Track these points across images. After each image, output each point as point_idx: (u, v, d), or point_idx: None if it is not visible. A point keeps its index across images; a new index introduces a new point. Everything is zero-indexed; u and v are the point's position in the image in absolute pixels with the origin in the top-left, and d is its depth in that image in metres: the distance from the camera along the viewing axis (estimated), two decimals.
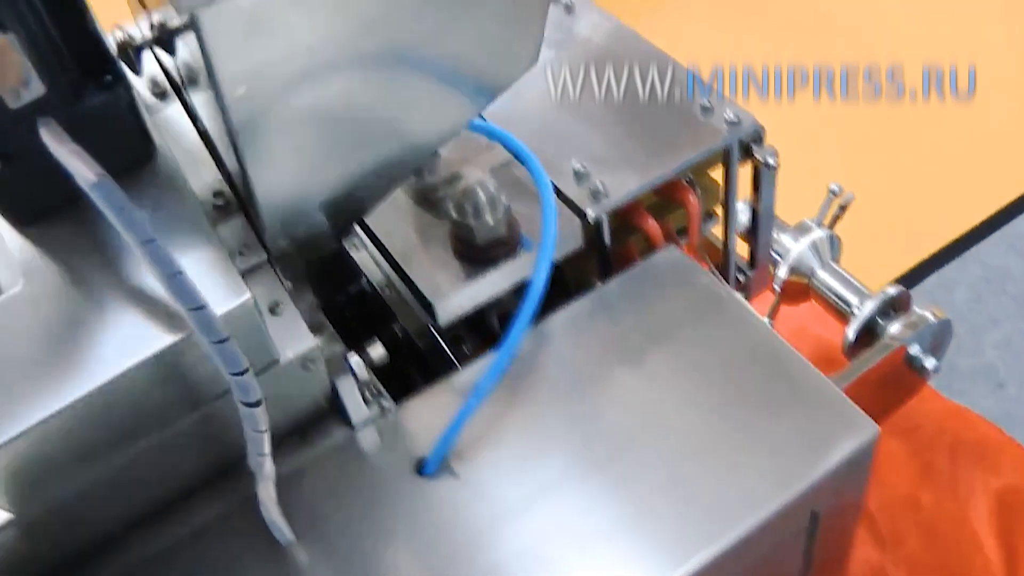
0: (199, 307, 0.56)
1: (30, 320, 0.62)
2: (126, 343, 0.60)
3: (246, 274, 0.70)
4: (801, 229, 1.18)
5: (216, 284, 0.62)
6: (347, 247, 0.90)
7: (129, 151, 0.64)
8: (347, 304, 0.91)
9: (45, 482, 0.62)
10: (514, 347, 0.73)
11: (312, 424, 0.78)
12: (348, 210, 0.75)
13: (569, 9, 1.00)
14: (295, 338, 0.70)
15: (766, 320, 0.88)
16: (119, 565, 0.72)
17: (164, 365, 0.61)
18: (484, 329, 0.86)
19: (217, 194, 0.76)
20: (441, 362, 0.88)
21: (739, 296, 0.82)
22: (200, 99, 0.71)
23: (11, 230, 0.65)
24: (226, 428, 0.66)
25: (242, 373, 0.58)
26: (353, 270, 0.90)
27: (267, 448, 0.64)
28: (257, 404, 0.60)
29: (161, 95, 0.81)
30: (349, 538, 0.72)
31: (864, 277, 1.15)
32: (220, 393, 0.66)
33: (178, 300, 0.56)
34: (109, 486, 0.67)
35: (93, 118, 0.61)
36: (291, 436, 0.77)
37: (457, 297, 0.79)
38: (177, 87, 0.81)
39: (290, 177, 0.68)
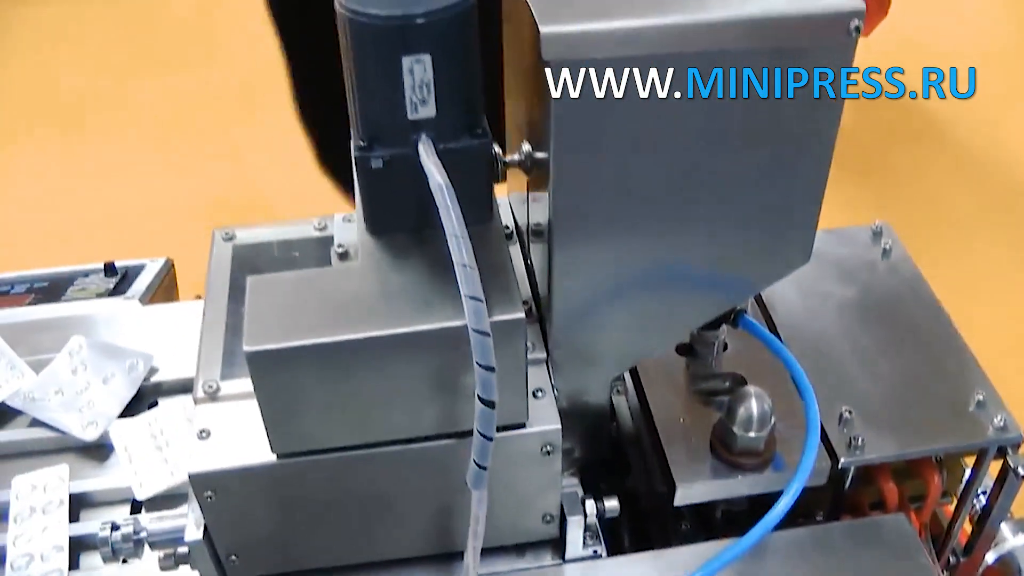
0: (477, 298, 0.65)
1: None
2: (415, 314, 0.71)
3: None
4: None
5: (499, 301, 0.70)
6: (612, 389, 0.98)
7: (475, 203, 0.74)
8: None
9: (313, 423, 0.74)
10: (734, 558, 0.79)
11: (528, 545, 0.87)
12: (622, 351, 0.84)
13: (886, 253, 1.06)
14: (544, 418, 0.78)
15: None
16: None
17: (439, 348, 0.71)
18: (706, 514, 0.93)
19: (524, 301, 0.86)
20: (655, 527, 0.95)
21: None
22: (536, 249, 0.85)
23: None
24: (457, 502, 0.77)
25: (489, 369, 0.66)
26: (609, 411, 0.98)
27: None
28: (492, 405, 0.67)
29: (508, 236, 0.93)
30: None
31: None
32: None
33: (462, 288, 0.65)
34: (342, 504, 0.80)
35: (459, 158, 0.72)
36: (506, 549, 0.86)
37: (699, 487, 0.85)
38: (519, 233, 0.94)
39: (584, 304, 0.79)
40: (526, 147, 0.79)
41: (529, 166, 0.80)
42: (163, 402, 1.01)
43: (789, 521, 0.85)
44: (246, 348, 0.69)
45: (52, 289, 1.20)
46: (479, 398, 0.68)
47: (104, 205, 2.59)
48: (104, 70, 3.10)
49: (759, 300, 1.01)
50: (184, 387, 1.02)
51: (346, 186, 1.67)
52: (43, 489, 0.94)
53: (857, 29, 0.65)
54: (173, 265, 1.28)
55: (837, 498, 0.92)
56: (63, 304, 1.16)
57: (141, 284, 1.18)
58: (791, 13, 0.65)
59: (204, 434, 0.78)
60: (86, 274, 1.23)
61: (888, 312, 1.00)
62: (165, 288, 1.22)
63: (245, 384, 0.80)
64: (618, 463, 0.97)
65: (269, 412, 0.73)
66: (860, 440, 0.87)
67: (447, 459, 0.77)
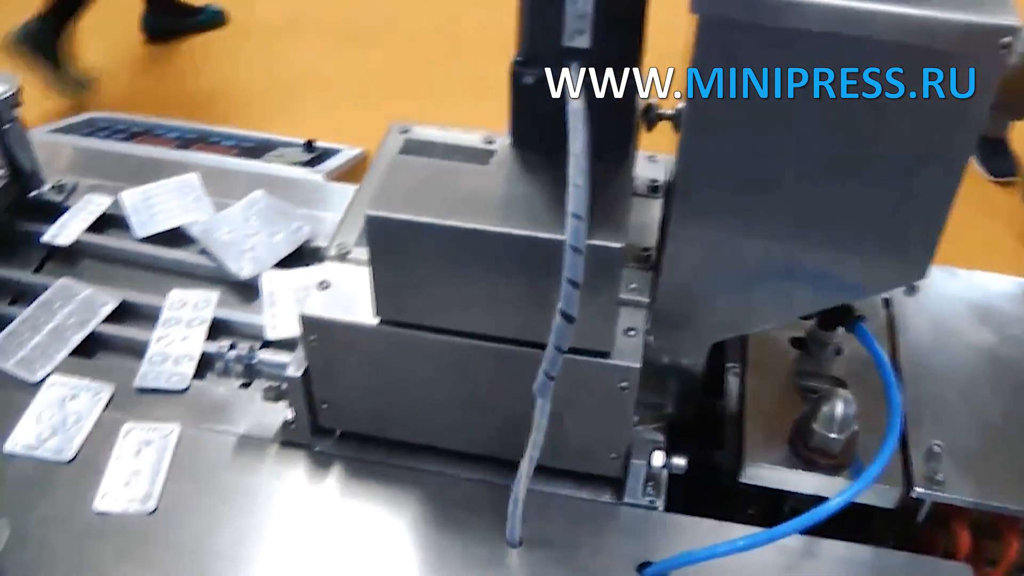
0: (579, 217, 0.69)
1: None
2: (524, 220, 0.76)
3: (624, 303, 0.84)
4: None
5: (603, 228, 0.74)
6: (730, 369, 1.00)
7: (611, 138, 0.78)
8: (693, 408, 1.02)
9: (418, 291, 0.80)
10: (778, 537, 0.80)
11: (591, 478, 0.90)
12: (720, 320, 0.86)
13: None
14: (628, 355, 0.82)
15: None
16: (383, 450, 0.92)
17: (536, 256, 0.75)
18: (774, 504, 0.94)
19: (646, 248, 0.91)
20: (723, 502, 0.96)
21: None
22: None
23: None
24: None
25: (574, 285, 0.70)
26: (720, 387, 1.00)
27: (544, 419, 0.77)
28: (571, 320, 0.71)
29: (655, 190, 0.97)
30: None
31: None
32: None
33: (568, 204, 0.69)
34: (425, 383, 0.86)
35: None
36: (568, 476, 0.90)
37: (767, 473, 0.88)
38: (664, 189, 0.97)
39: (693, 266, 0.81)
40: (681, 104, 0.82)
41: (679, 123, 0.83)
42: (315, 266, 1.10)
43: (856, 539, 0.87)
44: (368, 212, 0.76)
45: (255, 150, 1.32)
46: (560, 311, 0.72)
47: (324, 94, 2.79)
48: None
49: (890, 319, 1.00)
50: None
51: None
52: (192, 306, 1.04)
53: (1006, 46, 0.65)
54: (367, 157, 1.37)
55: (909, 531, 0.91)
56: (259, 162, 1.28)
57: (332, 164, 1.28)
58: (947, 18, 0.66)
59: (324, 285, 0.85)
60: (288, 145, 1.34)
61: (1018, 370, 0.98)
62: (353, 173, 1.32)
63: None
64: (714, 437, 0.99)
65: (378, 278, 0.80)
66: (941, 477, 0.87)
67: (528, 367, 0.81)
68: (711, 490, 0.97)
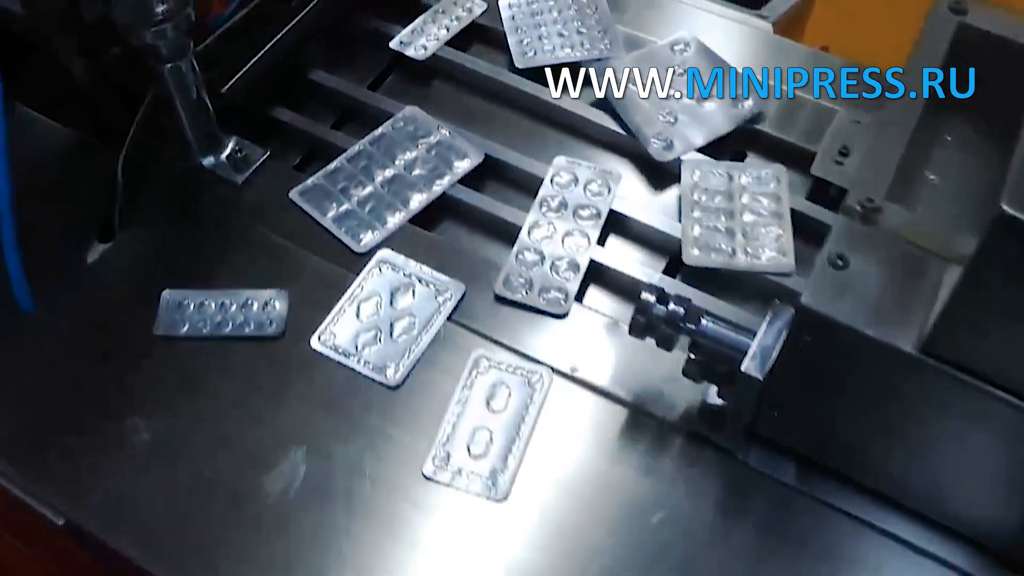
0: None
1: None
2: None
3: None
4: None
5: None
6: None
7: None
8: None
9: None
10: None
11: None
12: None
13: None
14: None
15: None
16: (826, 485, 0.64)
17: None
18: None
19: None
20: None
21: None
22: None
23: None
24: None
25: None
26: None
27: None
28: None
29: None
30: None
31: None
32: None
33: None
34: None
35: None
36: None
37: None
38: None
39: None
40: None
41: None
42: (754, 160, 0.79)
43: None
44: (1005, 207, 0.45)
45: None
46: None
47: None
48: None
49: None
50: (791, 152, 0.79)
51: None
52: (585, 188, 0.75)
53: None
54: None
55: None
56: None
57: (779, 7, 0.93)
58: None
59: (840, 262, 0.55)
60: None
61: None
62: (797, 20, 0.97)
63: (911, 219, 0.57)
64: None
65: (965, 300, 0.49)
66: None
67: None
68: None
